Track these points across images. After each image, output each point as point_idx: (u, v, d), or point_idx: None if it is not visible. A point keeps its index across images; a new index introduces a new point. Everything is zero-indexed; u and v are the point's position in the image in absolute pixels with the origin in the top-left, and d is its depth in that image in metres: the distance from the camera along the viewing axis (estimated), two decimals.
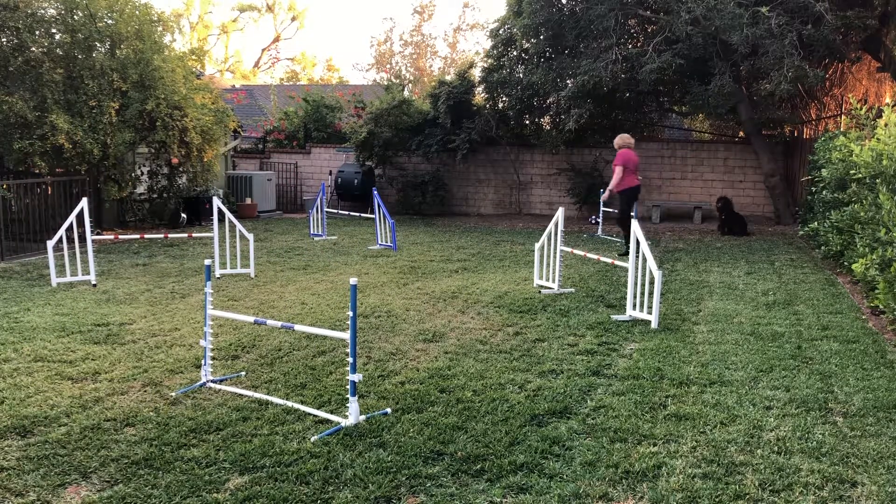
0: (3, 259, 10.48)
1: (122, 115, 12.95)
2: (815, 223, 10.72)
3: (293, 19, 44.95)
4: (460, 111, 16.42)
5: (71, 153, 12.25)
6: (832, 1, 13.18)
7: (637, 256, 7.10)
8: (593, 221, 15.34)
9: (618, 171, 10.78)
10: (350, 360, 4.35)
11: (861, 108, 8.90)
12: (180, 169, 14.47)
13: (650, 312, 6.79)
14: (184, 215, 14.92)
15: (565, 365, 5.57)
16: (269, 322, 4.84)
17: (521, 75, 16.33)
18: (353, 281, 4.39)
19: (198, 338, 6.23)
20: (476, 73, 17.51)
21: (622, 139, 11.21)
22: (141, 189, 14.73)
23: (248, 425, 4.38)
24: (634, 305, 7.04)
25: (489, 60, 17.00)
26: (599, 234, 13.88)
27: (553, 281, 8.39)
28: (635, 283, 7.04)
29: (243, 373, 5.38)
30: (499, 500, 3.54)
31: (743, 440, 4.18)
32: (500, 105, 16.98)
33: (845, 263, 8.98)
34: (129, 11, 13.21)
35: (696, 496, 3.54)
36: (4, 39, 12.48)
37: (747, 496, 3.55)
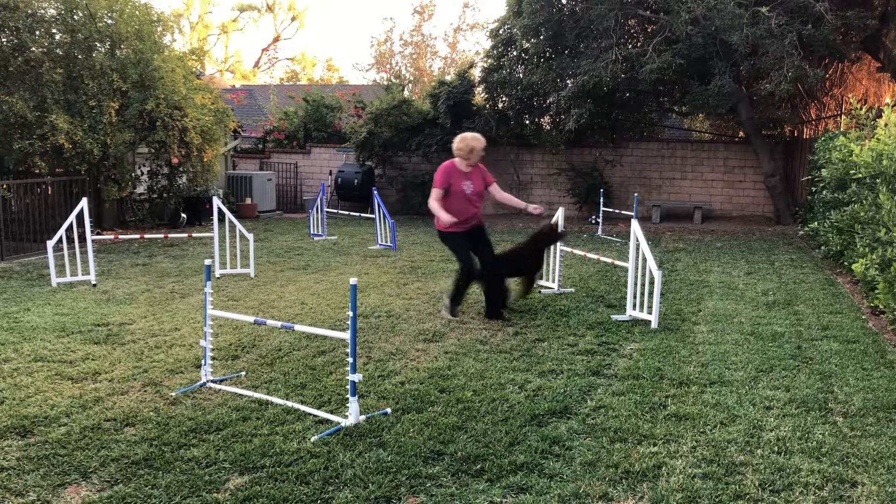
0: (3, 259, 10.48)
1: (122, 115, 12.94)
2: (815, 223, 10.73)
3: (293, 19, 44.96)
4: (460, 111, 16.41)
5: (71, 153, 12.25)
6: (832, 1, 13.18)
7: (637, 256, 7.10)
8: (593, 221, 15.34)
9: (498, 187, 7.14)
10: (350, 360, 4.35)
11: (861, 108, 8.90)
12: (180, 169, 14.46)
13: (650, 312, 6.79)
14: (184, 215, 14.92)
15: (565, 365, 5.57)
16: (269, 322, 4.85)
17: (521, 75, 16.32)
18: (353, 281, 4.39)
19: (198, 338, 6.23)
20: (476, 73, 17.51)
21: (480, 141, 6.90)
22: (141, 189, 14.73)
23: (248, 425, 4.38)
24: (634, 305, 7.04)
25: (489, 60, 17.00)
26: (599, 234, 13.88)
27: (553, 281, 8.39)
28: (635, 283, 7.04)
29: (243, 373, 5.38)
30: (499, 500, 3.54)
31: (743, 440, 4.18)
32: (500, 105, 16.98)
33: (845, 263, 8.98)
34: (129, 11, 13.21)
35: (696, 496, 3.54)
36: (4, 39, 12.48)
37: (747, 496, 3.55)
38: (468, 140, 6.76)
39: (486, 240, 7.04)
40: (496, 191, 7.03)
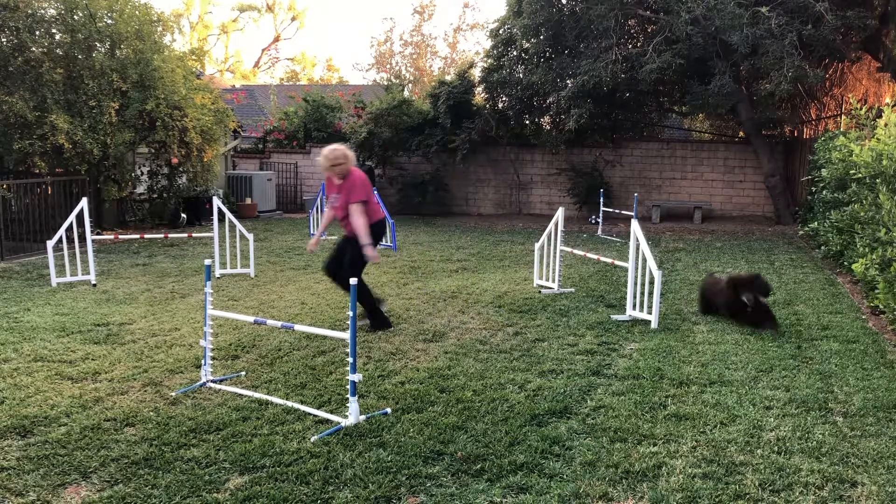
0: (3, 259, 10.48)
1: (122, 115, 12.95)
2: (815, 223, 10.73)
3: (293, 19, 44.96)
4: (460, 111, 16.42)
5: (71, 153, 12.25)
6: (832, 1, 13.19)
7: (637, 256, 7.10)
8: (593, 221, 15.34)
9: (358, 212, 6.32)
10: (350, 360, 4.34)
11: (861, 108, 8.90)
12: (180, 169, 14.47)
13: (650, 312, 6.78)
14: (184, 215, 14.92)
15: (565, 365, 5.57)
16: (269, 322, 4.85)
17: (521, 75, 16.33)
18: (353, 281, 4.39)
19: (198, 338, 6.23)
20: (476, 73, 17.52)
21: (346, 154, 6.45)
22: (141, 189, 14.73)
23: (248, 425, 4.38)
24: (634, 305, 7.04)
25: (489, 60, 17.01)
26: (599, 234, 13.88)
27: (553, 281, 8.39)
28: (635, 283, 7.04)
29: (243, 373, 5.38)
30: (499, 500, 3.53)
31: (743, 440, 4.18)
32: (500, 105, 16.99)
33: (845, 263, 8.98)
34: (129, 11, 13.22)
35: (696, 496, 3.54)
36: (4, 39, 12.49)
37: (747, 496, 3.55)
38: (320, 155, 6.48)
39: (348, 249, 6.54)
40: (352, 213, 6.34)
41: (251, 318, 4.95)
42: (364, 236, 6.28)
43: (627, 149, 17.42)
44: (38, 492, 3.58)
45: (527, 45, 16.02)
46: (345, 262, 6.52)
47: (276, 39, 45.73)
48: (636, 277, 7.06)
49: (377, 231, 6.55)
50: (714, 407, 4.68)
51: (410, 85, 30.46)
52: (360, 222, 6.31)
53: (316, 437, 4.19)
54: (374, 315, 6.66)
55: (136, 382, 5.15)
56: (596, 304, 7.68)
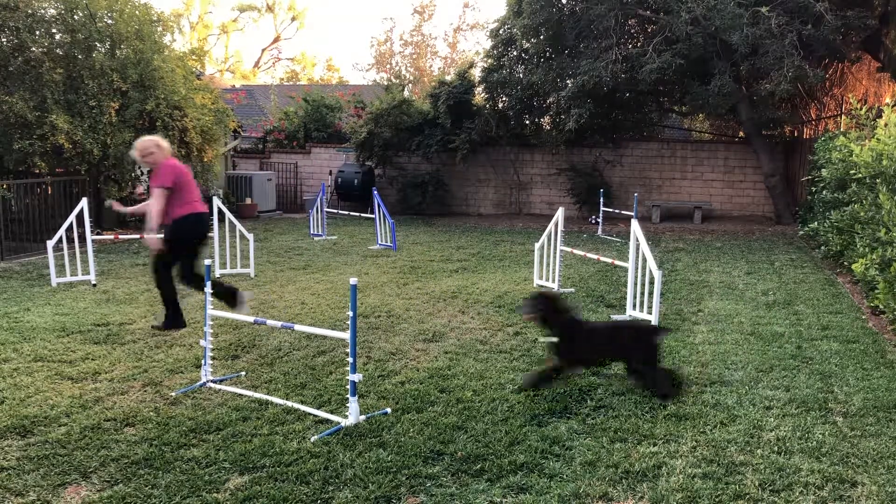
0: (3, 259, 10.47)
1: (122, 115, 12.94)
2: (815, 223, 10.72)
3: (293, 19, 44.93)
4: (460, 111, 16.42)
5: (71, 153, 12.25)
6: (832, 1, 13.19)
7: (637, 256, 7.10)
8: (593, 221, 15.34)
9: (153, 195, 6.36)
10: (350, 360, 4.35)
11: (861, 108, 8.90)
12: None
13: (650, 312, 6.78)
14: None
15: None
16: (269, 322, 4.85)
17: (521, 75, 16.33)
18: (353, 281, 4.39)
19: (198, 338, 6.23)
20: (476, 73, 17.51)
21: (158, 144, 6.49)
22: (141, 189, 14.72)
23: (248, 425, 4.38)
24: (634, 305, 7.04)
25: (489, 60, 17.00)
26: (599, 234, 13.88)
27: (553, 281, 8.39)
28: (635, 283, 7.04)
29: (243, 373, 5.38)
30: (499, 500, 3.54)
31: (743, 440, 4.18)
32: (500, 105, 16.98)
33: (845, 263, 8.98)
34: (129, 11, 13.21)
35: (696, 496, 3.54)
36: (4, 39, 12.48)
37: (747, 496, 3.55)
38: None
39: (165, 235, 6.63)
40: (151, 195, 6.44)
41: (251, 319, 4.95)
42: (150, 220, 6.28)
43: (627, 149, 17.42)
44: (38, 492, 3.58)
45: (527, 45, 16.01)
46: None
47: (276, 39, 45.72)
48: (636, 277, 7.06)
49: (185, 224, 6.48)
50: (714, 407, 4.68)
51: (410, 85, 30.43)
52: (151, 205, 6.32)
53: (316, 437, 4.19)
54: (170, 307, 6.57)
55: (136, 382, 5.15)
56: (596, 304, 7.68)
